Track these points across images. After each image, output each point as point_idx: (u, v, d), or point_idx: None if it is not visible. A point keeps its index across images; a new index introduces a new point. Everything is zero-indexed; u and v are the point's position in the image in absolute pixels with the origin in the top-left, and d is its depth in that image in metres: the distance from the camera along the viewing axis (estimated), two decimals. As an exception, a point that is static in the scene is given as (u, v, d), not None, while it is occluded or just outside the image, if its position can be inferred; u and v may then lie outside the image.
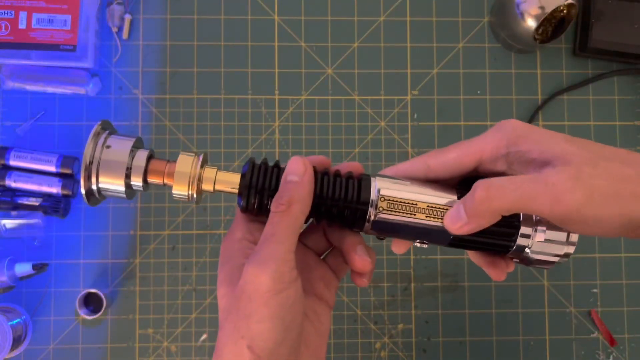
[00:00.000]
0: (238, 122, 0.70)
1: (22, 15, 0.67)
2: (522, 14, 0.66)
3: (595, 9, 0.70)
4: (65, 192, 0.66)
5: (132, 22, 0.70)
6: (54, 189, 0.66)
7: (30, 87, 0.68)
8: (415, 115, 0.71)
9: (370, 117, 0.71)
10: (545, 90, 0.72)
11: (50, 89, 0.68)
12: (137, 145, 0.36)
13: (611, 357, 0.70)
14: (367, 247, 0.36)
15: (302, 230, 0.36)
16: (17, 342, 0.63)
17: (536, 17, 0.66)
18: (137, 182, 0.35)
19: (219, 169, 0.36)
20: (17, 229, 0.67)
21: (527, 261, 0.35)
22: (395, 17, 0.72)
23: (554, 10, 0.66)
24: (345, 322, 0.69)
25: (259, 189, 0.34)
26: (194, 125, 0.70)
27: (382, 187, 0.34)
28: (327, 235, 0.38)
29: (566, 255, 0.34)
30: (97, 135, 0.35)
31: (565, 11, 0.68)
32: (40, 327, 0.67)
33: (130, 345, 0.68)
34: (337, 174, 0.36)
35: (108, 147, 0.34)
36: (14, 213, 0.66)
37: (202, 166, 0.35)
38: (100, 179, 0.34)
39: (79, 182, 0.68)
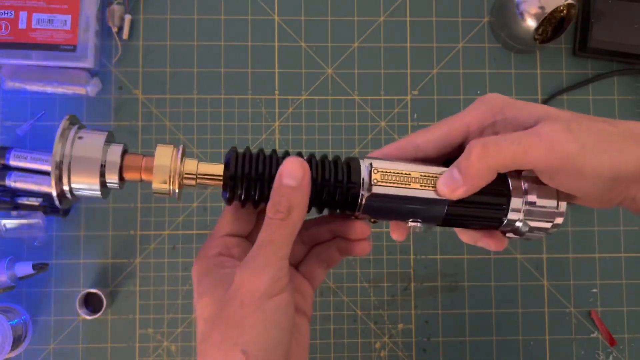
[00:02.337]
0: (238, 122, 0.70)
1: (22, 15, 0.67)
2: (522, 14, 0.66)
3: (595, 9, 0.70)
4: None
5: (132, 22, 0.70)
6: (54, 189, 0.66)
7: (30, 87, 0.68)
8: (415, 115, 0.71)
9: (370, 117, 0.71)
10: (545, 90, 0.72)
11: (50, 89, 0.68)
12: (109, 140, 0.33)
13: (611, 357, 0.70)
14: None
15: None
16: (17, 342, 0.63)
17: (536, 17, 0.66)
18: (112, 179, 0.32)
19: (199, 160, 0.33)
20: (17, 229, 0.67)
21: (519, 232, 0.35)
22: (395, 17, 0.72)
23: (554, 10, 0.66)
24: (345, 322, 0.69)
25: (246, 177, 0.32)
26: (194, 125, 0.70)
27: (373, 161, 0.33)
28: (314, 227, 0.38)
29: (556, 225, 0.35)
30: (66, 130, 0.32)
31: (565, 11, 0.68)
32: (40, 327, 0.67)
33: (130, 345, 0.68)
34: (324, 157, 0.34)
35: (79, 140, 0.31)
36: (14, 213, 0.66)
37: (181, 159, 0.33)
38: (73, 178, 0.31)
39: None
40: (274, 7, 0.72)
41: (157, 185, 0.32)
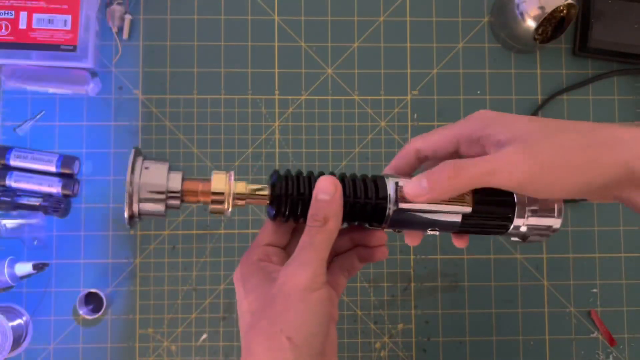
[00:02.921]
0: (238, 122, 0.70)
1: (23, 15, 0.67)
2: (522, 14, 0.66)
3: (595, 9, 0.70)
4: (66, 192, 0.67)
5: (132, 22, 0.70)
6: (55, 189, 0.66)
7: (30, 87, 0.68)
8: (415, 115, 0.71)
9: (370, 117, 0.71)
10: (545, 90, 0.72)
11: (50, 89, 0.68)
12: (171, 168, 0.38)
13: (611, 357, 0.70)
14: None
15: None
16: (17, 342, 0.63)
17: (536, 17, 0.66)
18: (174, 203, 0.37)
19: (247, 182, 0.38)
20: (18, 228, 0.67)
21: (523, 236, 0.40)
22: (395, 17, 0.72)
23: (554, 11, 0.66)
24: (345, 322, 0.69)
25: (289, 196, 0.37)
26: (194, 125, 0.70)
27: (399, 181, 0.38)
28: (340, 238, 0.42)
29: (555, 230, 0.39)
30: (135, 161, 0.36)
31: (565, 11, 0.68)
32: (41, 327, 0.67)
33: (131, 345, 0.68)
34: (354, 176, 0.39)
35: (146, 171, 0.36)
36: (14, 213, 0.66)
37: (233, 182, 0.38)
38: (142, 204, 0.36)
39: (79, 182, 0.68)
40: (274, 7, 0.72)
41: (214, 206, 0.37)
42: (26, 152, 0.67)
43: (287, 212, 0.38)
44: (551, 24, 0.69)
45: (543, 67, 0.72)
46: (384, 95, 0.71)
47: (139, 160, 0.37)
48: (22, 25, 0.67)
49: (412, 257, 0.70)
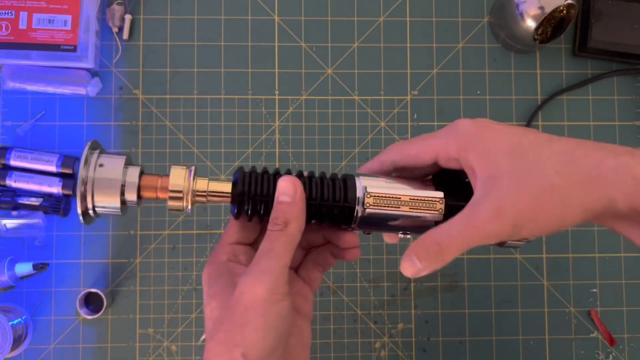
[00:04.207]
0: (238, 122, 0.70)
1: (23, 15, 0.67)
2: (522, 14, 0.66)
3: (595, 9, 0.70)
4: (66, 192, 0.66)
5: (132, 22, 0.70)
6: (55, 188, 0.66)
7: (30, 87, 0.68)
8: (415, 115, 0.71)
9: (370, 117, 0.71)
10: (545, 90, 0.72)
11: (50, 89, 0.68)
12: (128, 163, 0.36)
13: (611, 356, 0.70)
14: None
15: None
16: (17, 342, 0.63)
17: (536, 17, 0.66)
18: (131, 198, 0.35)
19: (209, 179, 0.37)
20: (18, 228, 0.67)
21: (499, 243, 0.38)
22: (395, 17, 0.72)
23: (554, 11, 0.66)
24: (345, 322, 0.69)
25: (251, 195, 0.36)
26: (194, 125, 0.70)
27: (368, 185, 0.36)
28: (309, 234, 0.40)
29: (528, 240, 0.37)
30: (89, 155, 0.35)
31: (564, 11, 0.68)
32: (41, 327, 0.67)
33: (131, 345, 0.68)
34: (323, 176, 0.37)
35: (101, 165, 0.35)
36: (14, 213, 0.66)
37: (194, 178, 0.36)
38: (96, 197, 0.35)
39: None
40: (274, 7, 0.72)
41: (172, 203, 0.35)
42: (26, 152, 0.67)
43: (249, 212, 0.36)
44: (551, 24, 0.69)
45: (543, 67, 0.72)
46: (384, 95, 0.71)
47: (94, 154, 0.35)
48: (22, 25, 0.67)
49: (412, 257, 0.70)
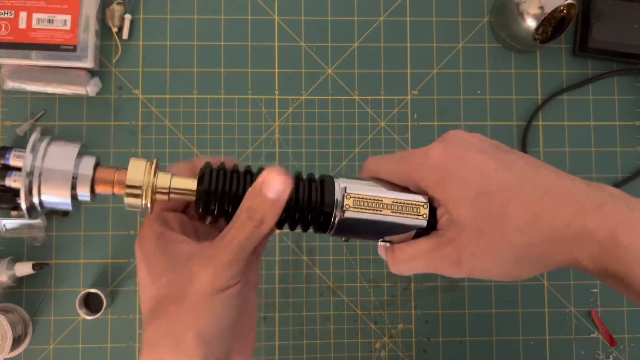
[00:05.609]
0: (238, 122, 0.70)
1: (22, 15, 0.67)
2: (522, 14, 0.66)
3: (595, 9, 0.70)
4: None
5: (132, 22, 0.70)
6: (54, 189, 0.66)
7: (30, 87, 0.68)
8: (415, 115, 0.71)
9: (370, 117, 0.71)
10: (545, 90, 0.72)
11: (50, 89, 0.68)
12: (82, 152, 0.32)
13: (611, 357, 0.70)
14: None
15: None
16: (17, 342, 0.63)
17: (536, 17, 0.66)
18: (83, 192, 0.31)
19: (172, 175, 0.33)
20: (18, 229, 0.67)
21: None
22: (395, 17, 0.72)
23: (554, 10, 0.66)
24: (345, 322, 0.69)
25: (219, 194, 0.32)
26: (194, 125, 0.70)
27: (348, 186, 0.33)
28: None
29: None
30: (38, 142, 0.31)
31: (565, 11, 0.68)
32: (41, 327, 0.67)
33: (130, 345, 0.68)
34: (299, 175, 0.34)
35: (51, 152, 0.31)
36: (14, 213, 0.66)
37: (155, 173, 0.32)
38: (43, 191, 0.30)
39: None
40: (274, 7, 0.72)
41: (128, 199, 0.32)
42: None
43: (215, 212, 0.32)
44: (551, 24, 0.69)
45: (543, 67, 0.72)
46: (384, 95, 0.71)
47: (44, 140, 0.31)
48: (22, 25, 0.67)
49: (412, 257, 0.70)
